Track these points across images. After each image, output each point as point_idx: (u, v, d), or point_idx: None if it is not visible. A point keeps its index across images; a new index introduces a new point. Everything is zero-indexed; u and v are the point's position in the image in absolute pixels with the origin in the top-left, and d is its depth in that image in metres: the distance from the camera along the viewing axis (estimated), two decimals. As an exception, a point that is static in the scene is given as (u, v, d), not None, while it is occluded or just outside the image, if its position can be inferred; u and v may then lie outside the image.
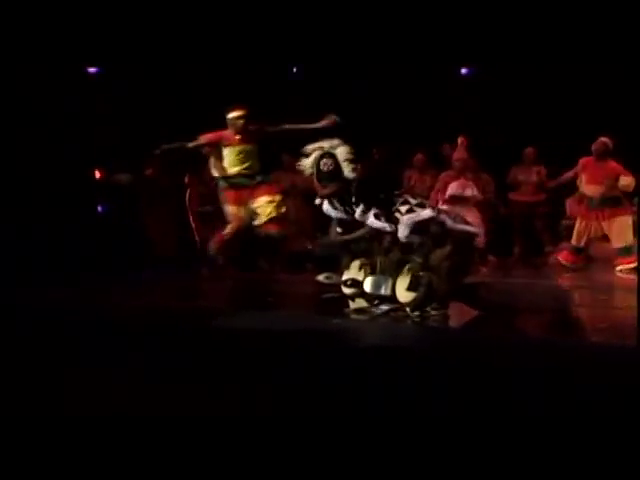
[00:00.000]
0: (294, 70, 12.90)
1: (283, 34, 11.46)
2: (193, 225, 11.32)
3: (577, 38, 11.14)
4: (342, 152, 6.35)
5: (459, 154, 10.59)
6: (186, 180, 11.22)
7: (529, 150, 11.56)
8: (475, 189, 10.31)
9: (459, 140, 10.63)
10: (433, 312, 5.99)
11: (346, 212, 6.43)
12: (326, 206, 6.52)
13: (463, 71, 12.98)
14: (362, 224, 6.33)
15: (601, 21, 10.91)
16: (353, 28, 11.37)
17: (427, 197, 9.95)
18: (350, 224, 6.45)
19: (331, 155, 6.35)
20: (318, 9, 11.23)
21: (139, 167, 11.35)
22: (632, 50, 10.62)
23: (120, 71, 11.18)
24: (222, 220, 10.57)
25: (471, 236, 6.32)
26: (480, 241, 9.52)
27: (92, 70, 11.34)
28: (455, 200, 9.99)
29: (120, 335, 5.31)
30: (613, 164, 9.95)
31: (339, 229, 6.57)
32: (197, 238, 11.29)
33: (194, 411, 3.69)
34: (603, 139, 9.98)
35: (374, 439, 3.30)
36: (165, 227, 11.43)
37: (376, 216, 6.16)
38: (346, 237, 6.42)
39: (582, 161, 10.17)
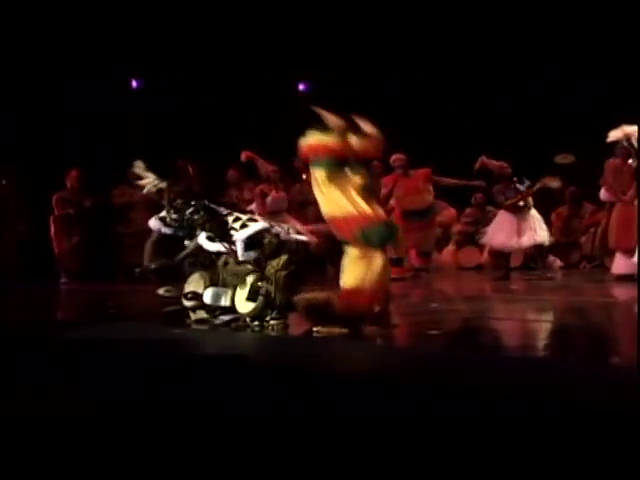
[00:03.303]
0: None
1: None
2: (52, 232, 11.13)
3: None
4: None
5: (272, 166, 10.69)
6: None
7: (375, 163, 11.83)
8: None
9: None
10: (272, 322, 6.05)
11: (179, 228, 6.47)
12: (154, 222, 6.57)
13: (301, 87, 13.20)
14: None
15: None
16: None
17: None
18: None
19: None
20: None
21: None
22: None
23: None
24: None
25: (305, 245, 6.43)
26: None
27: None
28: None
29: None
30: (421, 171, 10.36)
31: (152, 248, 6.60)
32: (55, 247, 11.11)
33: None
34: (400, 155, 10.38)
35: (218, 445, 3.36)
36: (7, 239, 11.23)
37: (209, 238, 6.24)
38: (182, 254, 6.43)
39: (388, 179, 10.52)
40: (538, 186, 10.10)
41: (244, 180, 11.36)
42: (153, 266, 6.51)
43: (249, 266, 6.11)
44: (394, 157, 10.40)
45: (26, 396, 4.04)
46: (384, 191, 10.45)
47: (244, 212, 6.62)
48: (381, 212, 5.85)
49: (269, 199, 10.37)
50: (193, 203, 6.34)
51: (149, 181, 6.59)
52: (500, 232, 10.27)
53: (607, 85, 10.63)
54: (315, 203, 10.95)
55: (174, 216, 6.46)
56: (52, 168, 11.23)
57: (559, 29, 11.04)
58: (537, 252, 10.65)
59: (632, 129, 8.65)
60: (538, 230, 10.19)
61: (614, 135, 8.87)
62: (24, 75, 11.20)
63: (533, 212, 10.23)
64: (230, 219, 6.24)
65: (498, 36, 11.34)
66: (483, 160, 10.19)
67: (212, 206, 6.37)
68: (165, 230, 6.53)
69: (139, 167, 6.63)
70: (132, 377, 4.34)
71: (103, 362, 4.76)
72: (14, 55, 10.96)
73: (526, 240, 10.14)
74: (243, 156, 10.65)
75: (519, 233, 10.11)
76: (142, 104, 12.40)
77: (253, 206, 10.40)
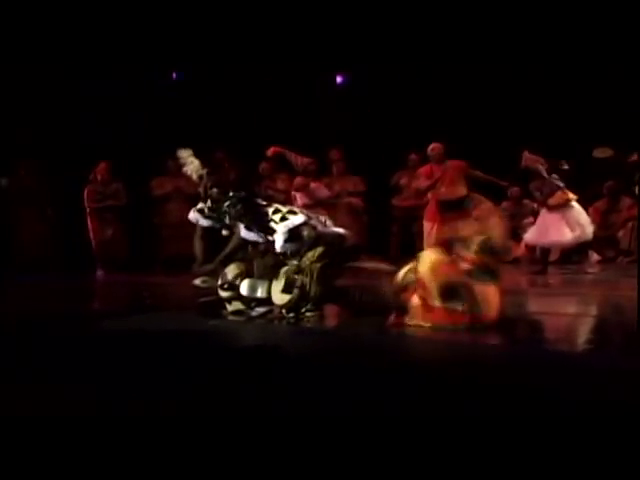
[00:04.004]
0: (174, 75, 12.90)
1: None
2: (90, 225, 11.22)
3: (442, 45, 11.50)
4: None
5: (307, 158, 10.75)
6: (91, 177, 11.18)
7: (413, 156, 11.82)
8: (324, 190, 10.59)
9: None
10: (308, 313, 6.10)
11: (217, 220, 6.51)
12: (193, 215, 6.61)
13: (338, 80, 13.20)
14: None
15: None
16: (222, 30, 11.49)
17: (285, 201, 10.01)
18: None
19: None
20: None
21: (11, 169, 11.22)
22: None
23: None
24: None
25: (342, 238, 6.43)
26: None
27: None
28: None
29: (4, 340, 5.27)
30: (455, 162, 10.30)
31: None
32: (92, 239, 11.19)
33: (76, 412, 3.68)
34: (436, 144, 10.33)
35: (250, 439, 3.30)
36: (38, 228, 11.31)
37: (247, 228, 6.25)
38: (221, 256, 6.45)
39: (424, 169, 10.47)
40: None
41: (277, 172, 11.40)
42: (204, 271, 6.51)
43: (285, 258, 6.15)
44: (431, 146, 10.38)
45: (61, 388, 4.07)
46: (426, 182, 10.42)
47: (282, 204, 6.62)
48: None
49: (313, 188, 10.41)
50: (230, 195, 6.35)
51: (194, 166, 6.59)
52: (549, 230, 10.08)
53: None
54: (343, 196, 11.06)
55: (210, 205, 6.50)
56: (86, 159, 11.30)
57: (591, 24, 10.98)
58: (578, 246, 10.53)
59: None
60: (586, 225, 10.04)
61: None
62: (61, 66, 11.29)
63: (576, 206, 10.06)
64: (270, 211, 6.24)
65: (536, 33, 11.29)
66: (526, 156, 10.09)
67: (250, 198, 6.39)
68: (203, 222, 6.57)
69: (185, 153, 6.63)
70: (169, 368, 4.37)
71: (139, 353, 4.80)
72: (43, 45, 11.07)
73: (579, 234, 9.98)
74: (270, 151, 10.72)
75: (571, 227, 9.95)
76: (181, 96, 12.42)
77: (299, 199, 10.44)
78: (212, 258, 6.63)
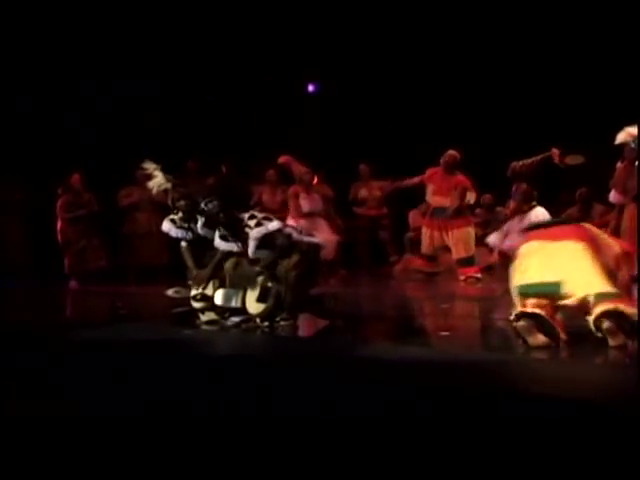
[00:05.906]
0: None
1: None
2: (61, 237, 11.12)
3: (414, 54, 11.51)
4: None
5: (303, 167, 10.73)
6: (59, 191, 11.07)
7: (363, 167, 11.78)
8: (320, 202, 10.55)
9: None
10: (282, 322, 6.09)
11: (188, 230, 6.51)
12: (167, 225, 6.60)
13: (310, 88, 13.20)
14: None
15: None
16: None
17: (278, 211, 9.93)
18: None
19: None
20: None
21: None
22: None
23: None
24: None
25: (317, 247, 6.41)
26: (330, 252, 9.64)
27: None
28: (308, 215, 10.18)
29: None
30: (461, 177, 10.25)
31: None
32: (64, 250, 11.10)
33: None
34: (452, 152, 10.24)
35: (231, 443, 3.35)
36: (13, 238, 11.22)
37: (222, 237, 6.23)
38: (209, 267, 6.41)
39: (430, 171, 10.40)
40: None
41: (279, 183, 11.25)
42: (200, 278, 6.48)
43: (260, 267, 6.12)
44: (448, 153, 10.21)
45: (38, 397, 4.04)
46: (415, 180, 10.32)
47: (258, 210, 6.63)
48: None
49: (303, 200, 10.35)
50: (204, 202, 6.32)
51: (156, 181, 6.62)
52: (508, 236, 10.05)
53: (618, 84, 10.57)
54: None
55: (182, 216, 6.51)
56: (56, 169, 11.20)
57: (571, 30, 11.03)
58: None
59: (635, 130, 8.55)
60: None
61: (620, 137, 8.78)
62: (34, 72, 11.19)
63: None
64: (245, 216, 6.21)
65: (502, 38, 11.35)
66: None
67: (225, 204, 6.36)
68: (175, 233, 6.57)
69: (149, 166, 6.65)
70: (144, 378, 4.35)
71: (114, 363, 4.78)
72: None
73: None
74: (281, 160, 10.64)
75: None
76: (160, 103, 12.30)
77: (292, 208, 10.36)
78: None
